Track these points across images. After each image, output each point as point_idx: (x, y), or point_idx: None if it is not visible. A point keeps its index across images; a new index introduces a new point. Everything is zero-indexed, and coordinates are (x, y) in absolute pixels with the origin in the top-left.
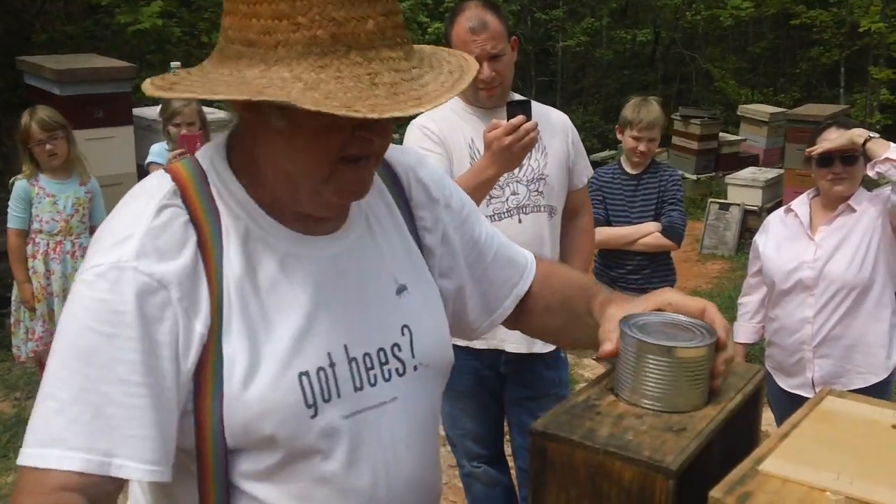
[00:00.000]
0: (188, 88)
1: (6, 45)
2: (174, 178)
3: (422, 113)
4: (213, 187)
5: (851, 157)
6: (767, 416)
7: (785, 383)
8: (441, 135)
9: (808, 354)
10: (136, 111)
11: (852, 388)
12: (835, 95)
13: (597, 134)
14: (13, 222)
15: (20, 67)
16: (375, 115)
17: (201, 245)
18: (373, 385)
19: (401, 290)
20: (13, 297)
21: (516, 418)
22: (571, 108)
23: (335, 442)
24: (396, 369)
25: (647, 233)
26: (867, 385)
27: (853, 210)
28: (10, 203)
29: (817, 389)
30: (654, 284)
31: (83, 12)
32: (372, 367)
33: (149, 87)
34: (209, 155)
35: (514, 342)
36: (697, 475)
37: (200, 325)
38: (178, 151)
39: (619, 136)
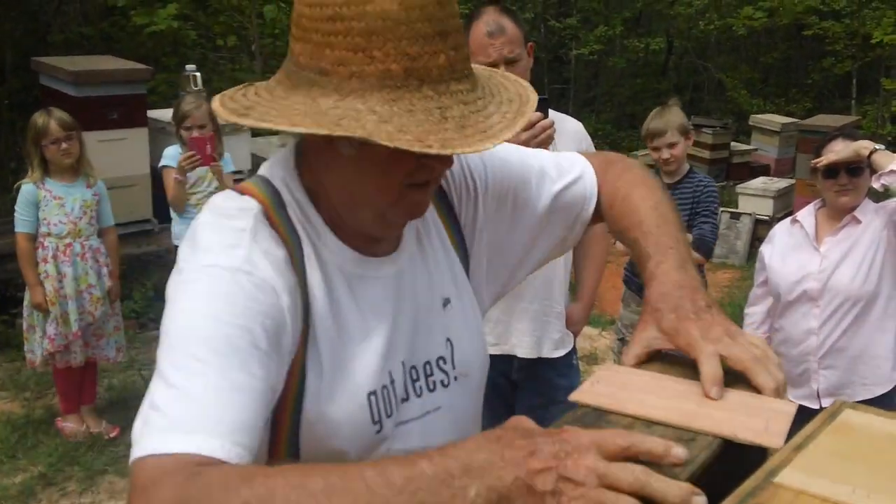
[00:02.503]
0: (264, 116)
1: (22, 45)
2: (254, 198)
3: (489, 147)
4: (290, 209)
5: (857, 168)
6: None
7: (790, 394)
8: None
9: (813, 365)
10: (151, 113)
11: (857, 399)
12: (846, 106)
13: (609, 141)
14: (21, 226)
15: (35, 68)
16: (448, 151)
17: (291, 263)
18: (419, 396)
19: (446, 303)
20: (25, 303)
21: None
22: (584, 115)
23: (380, 455)
24: (441, 381)
25: None
26: (872, 396)
27: (858, 221)
28: (16, 207)
29: (822, 401)
30: None
31: (99, 13)
32: (418, 380)
33: (220, 109)
34: (280, 175)
35: (525, 347)
36: (708, 486)
37: (297, 337)
38: (188, 154)
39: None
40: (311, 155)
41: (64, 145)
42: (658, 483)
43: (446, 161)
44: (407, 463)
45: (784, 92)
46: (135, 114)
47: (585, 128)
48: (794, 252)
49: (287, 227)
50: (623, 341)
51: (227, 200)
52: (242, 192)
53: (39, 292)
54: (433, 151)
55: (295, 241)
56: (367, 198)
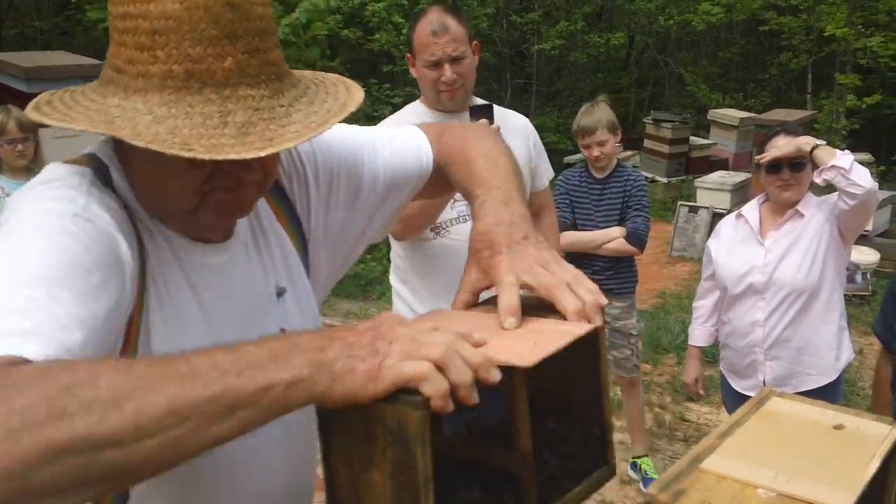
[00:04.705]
0: (47, 112)
1: None
2: (86, 165)
3: (268, 153)
4: (116, 184)
5: (799, 164)
6: (726, 417)
7: (738, 385)
8: None
9: (759, 357)
10: None
11: (803, 389)
12: (802, 101)
13: (570, 136)
14: None
15: None
16: (209, 156)
17: (130, 222)
18: None
19: (281, 293)
20: None
21: None
22: (546, 110)
23: None
24: None
25: (612, 238)
26: (818, 386)
27: (801, 215)
28: None
29: None
30: (616, 284)
31: (54, 8)
32: None
33: (30, 108)
34: (107, 153)
35: None
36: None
37: (135, 294)
38: None
39: None
40: (125, 154)
41: (20, 147)
42: (466, 350)
43: (251, 168)
44: (235, 349)
45: (743, 86)
46: None
47: (548, 123)
48: (739, 246)
49: (114, 195)
50: None
51: (56, 167)
52: (71, 163)
53: None
54: (190, 155)
55: (123, 209)
56: (169, 199)
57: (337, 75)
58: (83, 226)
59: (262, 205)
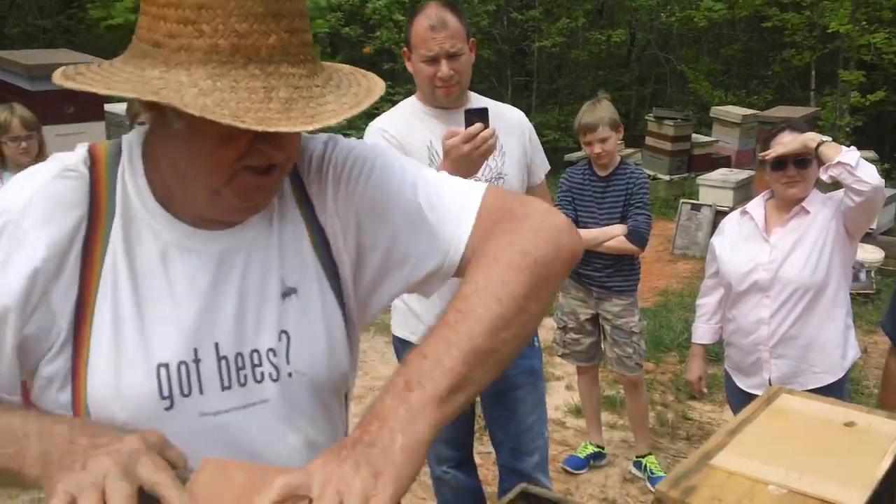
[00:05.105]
0: (88, 81)
1: None
2: (91, 150)
3: (312, 129)
4: (121, 167)
5: (805, 160)
6: (730, 416)
7: (743, 383)
8: (400, 138)
9: (764, 355)
10: (108, 107)
11: (809, 388)
12: (806, 98)
13: (571, 134)
14: None
15: None
16: (260, 128)
17: (93, 217)
18: (242, 385)
19: (287, 293)
20: None
21: (497, 413)
22: (546, 107)
23: (186, 439)
24: (270, 374)
25: (614, 235)
26: (823, 385)
27: (807, 212)
28: None
29: None
30: (618, 282)
31: (56, 6)
32: (243, 368)
33: (58, 75)
34: (131, 138)
35: None
36: None
37: (70, 292)
38: None
39: None
40: (152, 129)
41: (24, 144)
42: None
43: (282, 147)
44: (56, 420)
45: (745, 83)
46: (92, 108)
47: (548, 120)
48: (744, 243)
49: (109, 185)
50: (565, 329)
51: (66, 151)
52: (91, 146)
53: None
54: (244, 126)
55: (110, 202)
56: (197, 176)
57: (350, 66)
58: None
59: (290, 201)
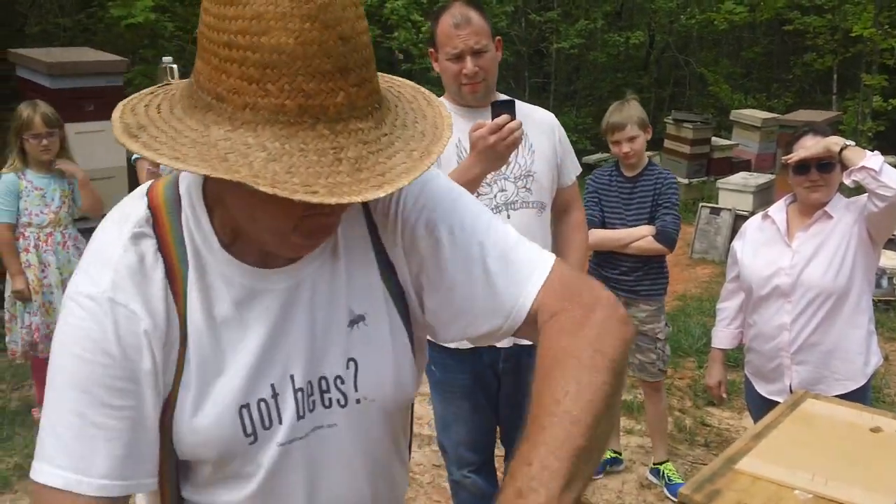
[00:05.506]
0: (152, 142)
1: None
2: (150, 203)
3: (383, 195)
4: (184, 215)
5: (828, 164)
6: (749, 423)
7: (763, 389)
8: None
9: (785, 361)
10: None
11: (831, 394)
12: (827, 101)
13: (589, 136)
14: (2, 216)
15: (12, 60)
16: (333, 201)
17: (170, 275)
18: (311, 411)
19: (355, 321)
20: (7, 294)
21: (516, 420)
22: (564, 110)
23: (268, 464)
24: (338, 400)
25: (641, 236)
26: (846, 392)
27: (830, 217)
28: None
29: None
30: (646, 287)
31: (77, 4)
32: (312, 395)
33: (117, 122)
34: (188, 181)
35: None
36: None
37: (174, 353)
38: None
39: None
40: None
41: (45, 141)
42: None
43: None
44: None
45: (766, 87)
46: (111, 106)
47: (566, 122)
48: (765, 247)
49: (176, 236)
50: None
51: (126, 202)
52: (149, 192)
53: (21, 280)
54: (315, 200)
55: (181, 253)
56: (265, 222)
57: (408, 81)
58: (105, 311)
59: (360, 228)
